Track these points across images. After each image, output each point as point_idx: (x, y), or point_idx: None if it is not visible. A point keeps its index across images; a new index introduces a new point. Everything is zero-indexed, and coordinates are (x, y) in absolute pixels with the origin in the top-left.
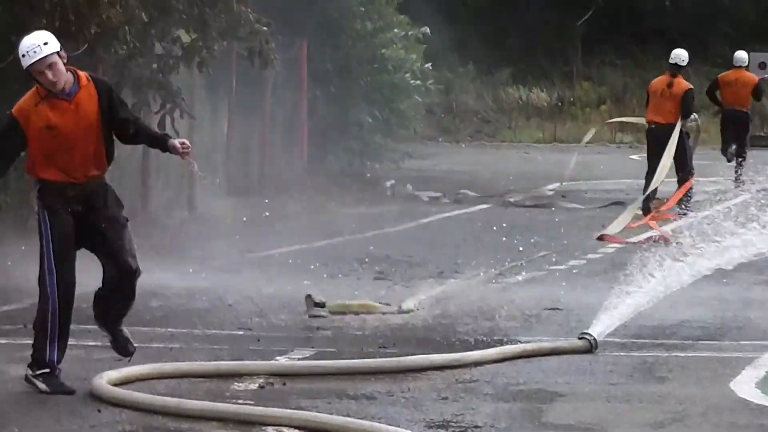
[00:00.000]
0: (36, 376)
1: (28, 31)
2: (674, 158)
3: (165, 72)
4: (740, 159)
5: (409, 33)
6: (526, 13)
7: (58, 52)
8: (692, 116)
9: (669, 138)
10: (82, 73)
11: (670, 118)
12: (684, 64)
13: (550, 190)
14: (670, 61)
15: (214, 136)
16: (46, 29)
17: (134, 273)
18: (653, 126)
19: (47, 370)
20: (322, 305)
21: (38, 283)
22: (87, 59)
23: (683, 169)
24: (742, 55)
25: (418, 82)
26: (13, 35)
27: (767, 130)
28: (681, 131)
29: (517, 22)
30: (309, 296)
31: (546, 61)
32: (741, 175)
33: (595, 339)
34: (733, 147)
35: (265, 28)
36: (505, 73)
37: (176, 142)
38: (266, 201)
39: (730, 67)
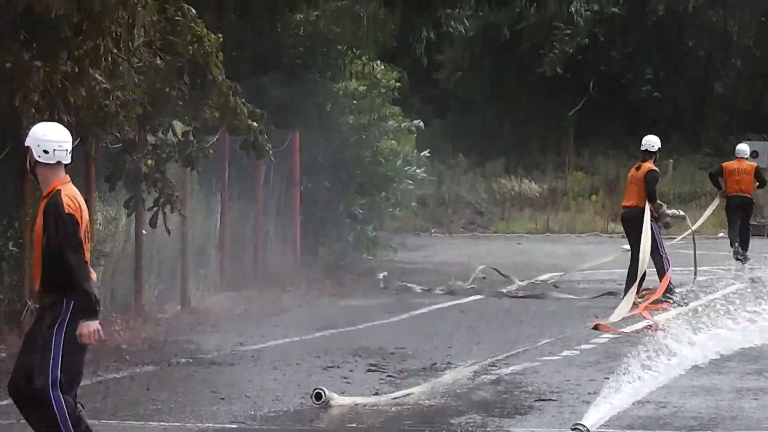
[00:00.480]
0: None
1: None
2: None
3: (160, 165)
4: (744, 245)
5: (402, 125)
6: (518, 104)
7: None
8: (671, 212)
9: (635, 221)
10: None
11: (635, 200)
12: (654, 149)
13: (541, 281)
14: (641, 147)
15: (207, 229)
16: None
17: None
18: (623, 210)
19: None
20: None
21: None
22: (80, 151)
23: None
24: (744, 147)
25: (414, 167)
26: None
27: (759, 220)
28: (650, 216)
29: (510, 114)
30: (319, 393)
31: (538, 152)
32: (744, 256)
33: (588, 429)
34: (738, 246)
35: (255, 124)
36: (498, 164)
37: (85, 330)
38: (260, 294)
39: (722, 155)
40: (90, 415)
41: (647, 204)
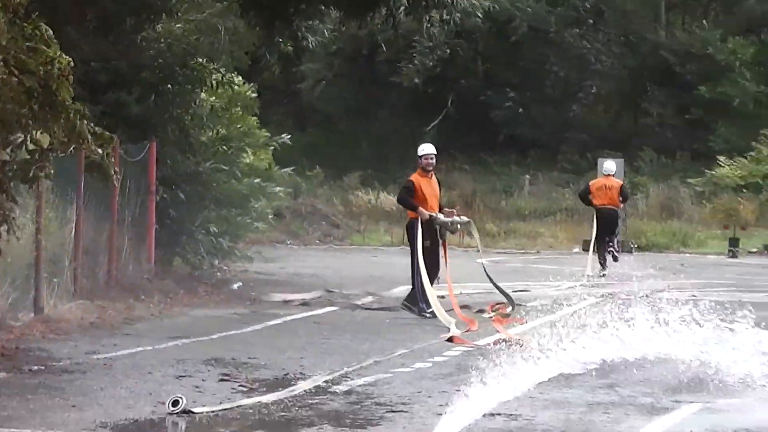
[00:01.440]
0: None
1: None
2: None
3: (3, 184)
4: (611, 251)
5: (260, 140)
6: (377, 118)
7: None
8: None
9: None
10: None
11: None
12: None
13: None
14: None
15: (62, 239)
16: None
17: None
18: None
19: None
20: (186, 411)
21: None
22: None
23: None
24: (610, 165)
25: (274, 184)
26: None
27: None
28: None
29: (367, 128)
30: (176, 401)
31: (396, 165)
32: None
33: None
34: (611, 245)
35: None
36: (355, 176)
37: None
38: (113, 304)
39: (578, 173)
40: None
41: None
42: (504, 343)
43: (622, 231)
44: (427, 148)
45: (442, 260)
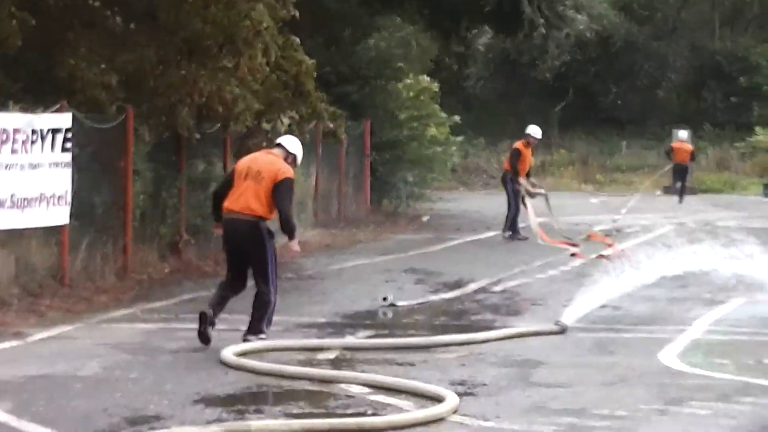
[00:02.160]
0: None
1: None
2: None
3: (271, 146)
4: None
5: (441, 118)
6: (519, 103)
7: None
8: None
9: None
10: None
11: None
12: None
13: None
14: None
15: (306, 188)
16: (188, 113)
17: None
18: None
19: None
20: (392, 304)
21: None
22: (218, 136)
23: None
24: (683, 134)
25: (452, 147)
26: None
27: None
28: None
29: (513, 109)
30: (385, 297)
31: None
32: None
33: (566, 324)
34: (679, 188)
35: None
36: (505, 143)
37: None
38: (342, 232)
39: (661, 140)
40: (226, 311)
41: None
42: (612, 257)
43: (689, 180)
44: (537, 133)
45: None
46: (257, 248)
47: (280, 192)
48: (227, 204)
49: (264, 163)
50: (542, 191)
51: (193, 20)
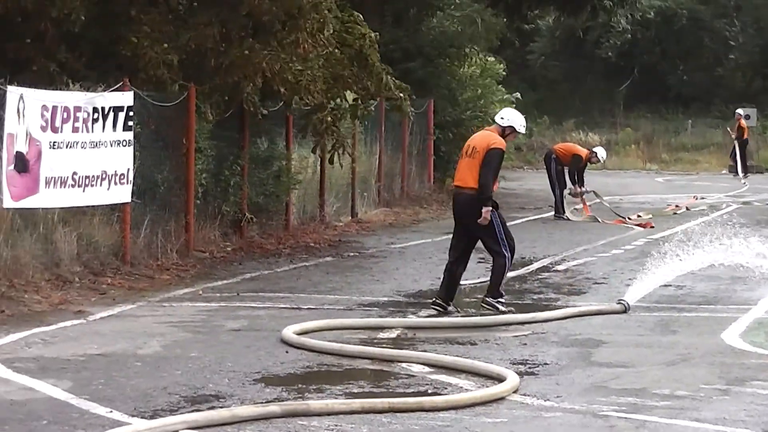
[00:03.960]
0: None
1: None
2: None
3: (336, 122)
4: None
5: (504, 96)
6: (585, 81)
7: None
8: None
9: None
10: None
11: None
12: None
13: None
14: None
15: (370, 166)
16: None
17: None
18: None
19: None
20: None
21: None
22: (282, 111)
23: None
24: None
25: None
26: (227, 95)
27: (750, 162)
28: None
29: (578, 88)
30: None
31: (598, 114)
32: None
33: (628, 303)
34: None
35: (401, 94)
36: (570, 122)
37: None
38: (405, 210)
39: (725, 118)
40: (287, 290)
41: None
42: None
43: (755, 158)
44: (603, 156)
45: None
46: (479, 218)
47: (485, 160)
48: (453, 182)
49: (478, 138)
50: (587, 189)
51: None
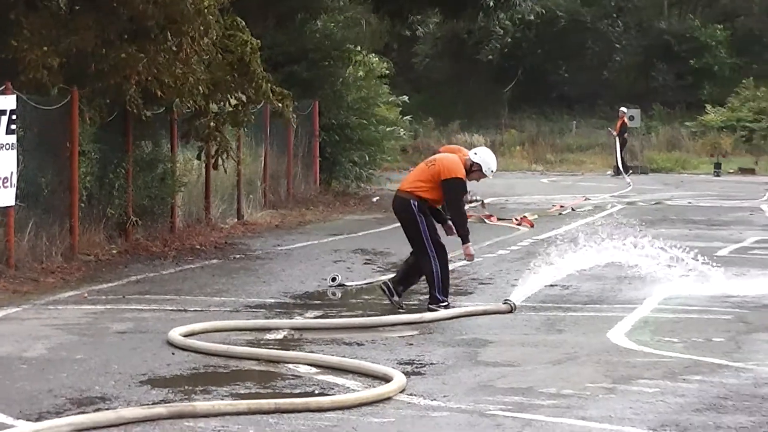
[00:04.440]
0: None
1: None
2: None
3: (219, 126)
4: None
5: (390, 99)
6: (469, 83)
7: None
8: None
9: None
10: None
11: None
12: None
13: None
14: None
15: (255, 168)
16: (135, 92)
17: None
18: None
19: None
20: (341, 285)
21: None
22: (166, 115)
23: None
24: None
25: (400, 129)
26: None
27: (634, 162)
28: None
29: (462, 90)
30: (334, 278)
31: (483, 116)
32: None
33: (514, 303)
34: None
35: (280, 105)
36: (455, 124)
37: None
38: (291, 212)
39: (612, 120)
40: (173, 292)
41: None
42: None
43: (640, 158)
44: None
45: None
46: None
47: (447, 194)
48: None
49: (445, 158)
50: (476, 198)
51: (135, 0)
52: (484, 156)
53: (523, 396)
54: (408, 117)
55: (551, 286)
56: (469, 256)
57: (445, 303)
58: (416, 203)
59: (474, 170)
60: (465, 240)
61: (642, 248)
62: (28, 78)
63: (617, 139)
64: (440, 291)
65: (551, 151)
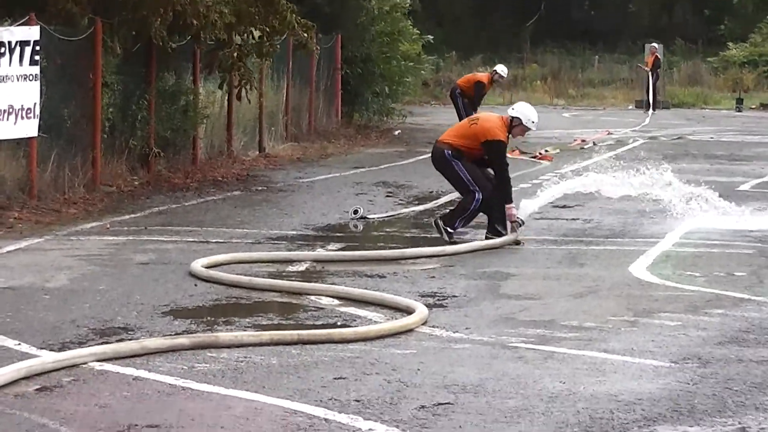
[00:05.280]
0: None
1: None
2: None
3: (243, 58)
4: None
5: (414, 37)
6: (491, 18)
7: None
8: None
9: None
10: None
11: None
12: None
13: None
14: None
15: (277, 101)
16: (162, 24)
17: None
18: None
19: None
20: (363, 217)
21: None
22: (189, 47)
23: None
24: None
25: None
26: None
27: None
28: None
29: (485, 25)
30: (356, 210)
31: (505, 50)
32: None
33: (521, 219)
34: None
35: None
36: (477, 58)
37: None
38: (312, 145)
39: (635, 55)
40: (195, 224)
41: None
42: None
43: (662, 94)
44: (504, 72)
45: None
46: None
47: (490, 157)
48: None
49: (489, 118)
50: None
51: None
52: (521, 109)
53: (545, 329)
54: (432, 57)
55: (573, 219)
56: (512, 217)
57: (452, 239)
58: (449, 151)
59: (515, 125)
60: (508, 200)
61: (662, 183)
62: (56, 9)
63: (650, 74)
64: (460, 222)
65: (573, 86)
